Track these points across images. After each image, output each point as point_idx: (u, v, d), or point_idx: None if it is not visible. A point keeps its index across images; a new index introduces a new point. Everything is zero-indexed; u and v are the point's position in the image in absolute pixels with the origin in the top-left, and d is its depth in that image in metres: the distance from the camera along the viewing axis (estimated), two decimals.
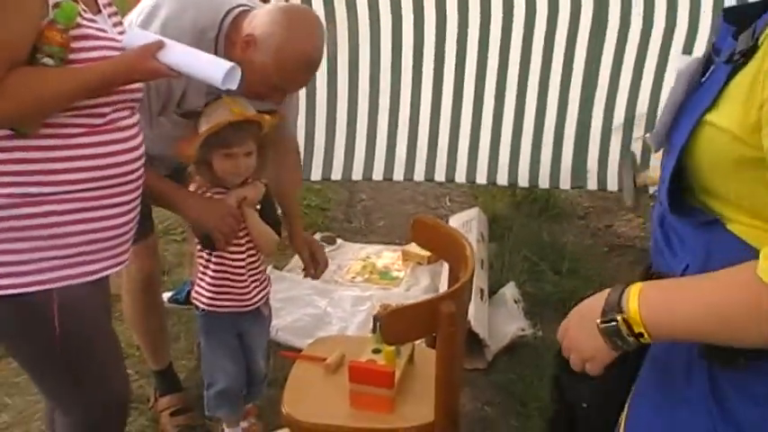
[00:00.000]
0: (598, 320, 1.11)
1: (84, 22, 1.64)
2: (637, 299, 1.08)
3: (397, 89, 3.78)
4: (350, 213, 4.68)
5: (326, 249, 2.83)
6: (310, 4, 3.48)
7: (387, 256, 4.03)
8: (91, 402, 1.91)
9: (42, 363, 1.83)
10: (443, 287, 3.21)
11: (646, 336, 1.07)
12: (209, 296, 2.32)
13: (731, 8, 1.16)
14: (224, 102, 2.14)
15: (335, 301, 3.52)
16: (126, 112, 1.78)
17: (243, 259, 2.30)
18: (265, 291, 2.41)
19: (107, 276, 1.86)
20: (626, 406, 1.29)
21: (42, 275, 1.70)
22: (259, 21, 2.08)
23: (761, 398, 1.06)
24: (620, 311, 1.09)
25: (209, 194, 2.24)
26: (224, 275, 2.30)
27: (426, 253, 3.85)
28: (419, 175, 4.01)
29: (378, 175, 4.04)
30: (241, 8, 2.15)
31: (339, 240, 4.18)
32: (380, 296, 3.53)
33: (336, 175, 4.02)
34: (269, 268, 3.30)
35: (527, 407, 2.84)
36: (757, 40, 1.03)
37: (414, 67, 3.72)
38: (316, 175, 4.02)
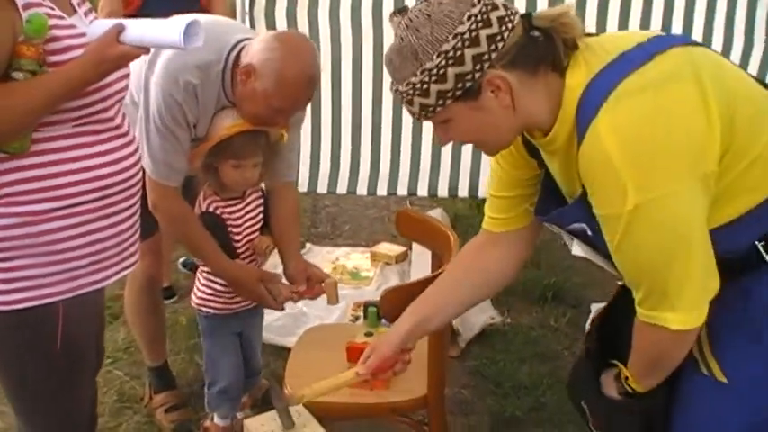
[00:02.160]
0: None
1: (61, 32, 1.65)
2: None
3: (359, 104, 3.88)
4: (316, 219, 4.83)
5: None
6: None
7: (355, 258, 4.17)
8: (64, 422, 1.92)
9: (34, 373, 1.81)
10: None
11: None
12: (212, 299, 2.47)
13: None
14: (230, 111, 2.27)
15: (311, 301, 3.66)
16: (115, 110, 1.81)
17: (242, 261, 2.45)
18: None
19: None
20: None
21: (51, 288, 1.73)
22: (254, 50, 2.19)
23: None
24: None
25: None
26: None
27: (394, 253, 4.05)
28: (382, 189, 4.10)
29: (342, 188, 4.12)
30: (244, 42, 2.27)
31: (308, 245, 4.32)
32: (353, 295, 3.68)
33: (302, 187, 4.11)
34: None
35: (501, 386, 3.04)
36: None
37: (374, 82, 3.81)
38: None
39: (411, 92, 1.39)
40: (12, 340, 1.77)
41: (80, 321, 1.83)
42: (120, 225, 1.84)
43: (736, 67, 1.51)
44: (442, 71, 1.33)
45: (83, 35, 1.70)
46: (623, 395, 1.56)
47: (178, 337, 3.37)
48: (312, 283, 2.51)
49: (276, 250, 2.58)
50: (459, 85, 1.34)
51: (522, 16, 1.37)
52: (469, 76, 1.33)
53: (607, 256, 1.44)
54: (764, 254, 1.38)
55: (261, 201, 2.51)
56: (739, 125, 1.33)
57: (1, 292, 1.70)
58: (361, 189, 4.12)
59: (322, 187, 4.11)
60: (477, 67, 1.33)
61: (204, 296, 2.48)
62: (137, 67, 2.23)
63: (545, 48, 1.35)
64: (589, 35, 1.44)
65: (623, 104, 1.29)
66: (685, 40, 1.49)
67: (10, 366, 1.82)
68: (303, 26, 3.65)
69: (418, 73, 1.35)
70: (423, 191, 4.09)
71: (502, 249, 1.77)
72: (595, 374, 1.64)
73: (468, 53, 1.32)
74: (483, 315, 3.43)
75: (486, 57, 1.32)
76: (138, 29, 1.68)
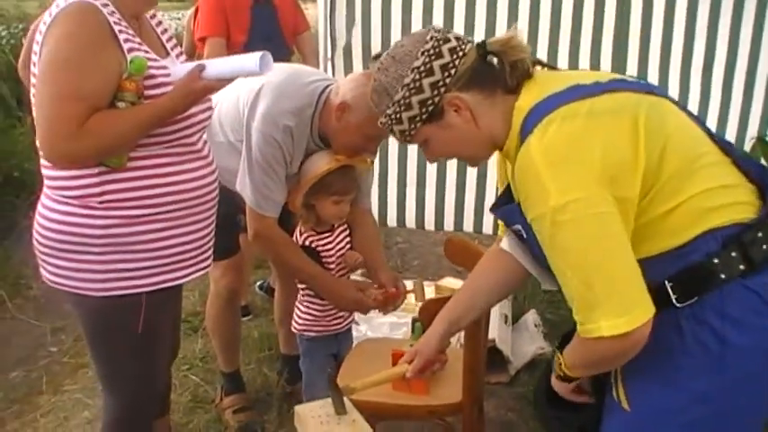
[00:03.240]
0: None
1: (155, 72, 1.98)
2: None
3: None
4: (387, 254, 5.08)
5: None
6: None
7: None
8: (139, 391, 2.22)
9: (118, 350, 2.16)
10: None
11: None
12: (313, 323, 2.75)
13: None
14: (325, 152, 2.57)
15: (375, 326, 3.90)
16: (198, 136, 2.15)
17: None
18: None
19: (182, 286, 2.23)
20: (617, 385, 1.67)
21: (138, 281, 2.06)
22: (346, 88, 2.51)
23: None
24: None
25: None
26: (323, 303, 2.72)
27: (456, 286, 4.26)
28: (448, 225, 4.34)
29: (410, 223, 4.39)
30: (329, 86, 2.59)
31: None
32: (406, 324, 3.91)
33: None
34: None
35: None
36: None
37: None
38: None
39: (389, 122, 1.67)
40: (103, 321, 2.12)
41: (158, 312, 2.16)
42: (197, 232, 2.17)
43: (691, 122, 1.61)
44: (407, 100, 1.61)
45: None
46: (560, 378, 1.73)
47: (250, 350, 3.68)
48: (401, 289, 2.78)
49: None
50: (424, 110, 1.61)
51: (477, 44, 1.61)
52: (430, 101, 1.60)
53: (539, 262, 1.62)
54: (671, 293, 1.49)
55: (347, 231, 2.80)
56: (666, 171, 1.47)
57: (98, 281, 2.03)
58: (429, 224, 4.36)
59: (392, 221, 4.38)
60: (435, 93, 1.59)
61: (306, 321, 2.75)
62: (231, 112, 2.59)
63: (499, 71, 1.59)
64: (552, 68, 1.67)
65: (555, 124, 1.46)
66: (645, 87, 1.63)
67: (100, 343, 2.17)
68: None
69: (390, 105, 1.63)
70: (488, 229, 4.31)
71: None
72: (547, 395, 1.84)
73: (426, 82, 1.59)
74: (533, 345, 3.63)
75: (441, 83, 1.59)
76: (216, 66, 2.03)
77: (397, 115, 1.64)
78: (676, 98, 3.66)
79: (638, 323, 1.41)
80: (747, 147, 3.79)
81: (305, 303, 2.74)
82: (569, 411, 1.80)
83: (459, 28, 3.84)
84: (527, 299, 4.16)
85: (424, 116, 1.62)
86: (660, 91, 1.66)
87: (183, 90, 1.98)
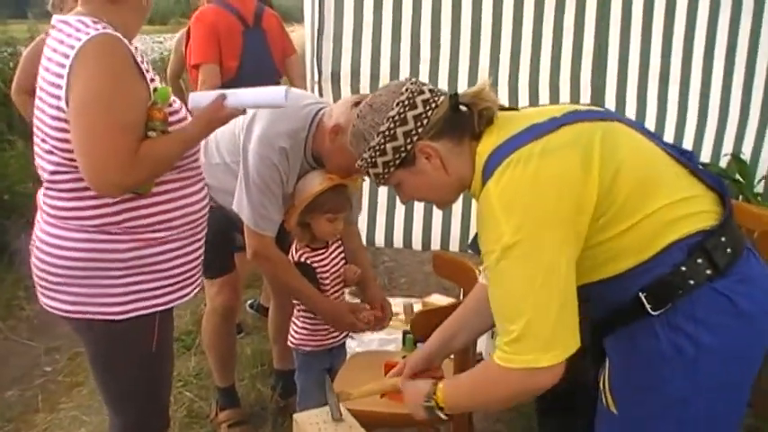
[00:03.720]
0: (422, 402, 1.85)
1: (175, 100, 2.10)
2: (443, 392, 1.81)
3: None
4: (375, 273, 5.18)
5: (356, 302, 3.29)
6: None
7: None
8: (147, 408, 2.28)
9: (131, 370, 2.19)
10: None
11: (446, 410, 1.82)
12: (309, 337, 2.84)
13: None
14: (318, 172, 2.68)
15: (365, 342, 3.99)
16: (199, 160, 2.27)
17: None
18: None
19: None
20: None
21: (152, 301, 2.12)
22: (339, 111, 2.62)
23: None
24: (434, 398, 1.82)
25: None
26: (319, 318, 2.81)
27: (443, 303, 4.36)
28: (435, 244, 4.42)
29: (398, 243, 4.47)
30: (322, 110, 2.71)
31: None
32: (397, 341, 4.00)
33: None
34: None
35: (531, 420, 3.30)
36: None
37: None
38: None
39: (366, 165, 1.79)
40: (120, 342, 2.14)
41: (167, 328, 2.25)
42: (199, 250, 2.26)
43: (646, 140, 1.71)
44: (382, 147, 1.73)
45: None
46: (427, 409, 1.85)
47: (243, 366, 3.75)
48: (387, 311, 2.94)
49: None
50: (397, 156, 1.72)
51: (450, 95, 1.73)
52: (403, 148, 1.71)
53: None
54: (646, 303, 1.59)
55: (341, 247, 2.90)
56: (622, 192, 1.57)
57: (117, 304, 2.09)
58: (416, 244, 4.46)
59: (380, 240, 4.47)
60: (408, 141, 1.70)
61: (302, 336, 2.84)
62: (227, 135, 2.70)
63: (468, 119, 1.70)
64: (512, 109, 1.77)
65: (510, 169, 1.58)
66: (598, 115, 1.73)
67: (113, 364, 2.20)
68: (365, 90, 4.04)
69: (367, 150, 1.75)
70: (455, 243, 4.38)
71: None
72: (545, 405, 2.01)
73: (400, 131, 1.70)
74: None
75: (413, 132, 1.70)
76: (239, 97, 2.15)
77: (373, 160, 1.76)
78: (654, 118, 3.89)
79: (558, 360, 1.54)
80: (723, 163, 3.92)
81: (301, 319, 2.82)
82: (564, 418, 1.90)
83: (445, 53, 3.98)
84: None
85: (397, 162, 1.74)
86: (614, 115, 1.78)
87: (207, 117, 2.10)
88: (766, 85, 3.82)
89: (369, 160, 1.77)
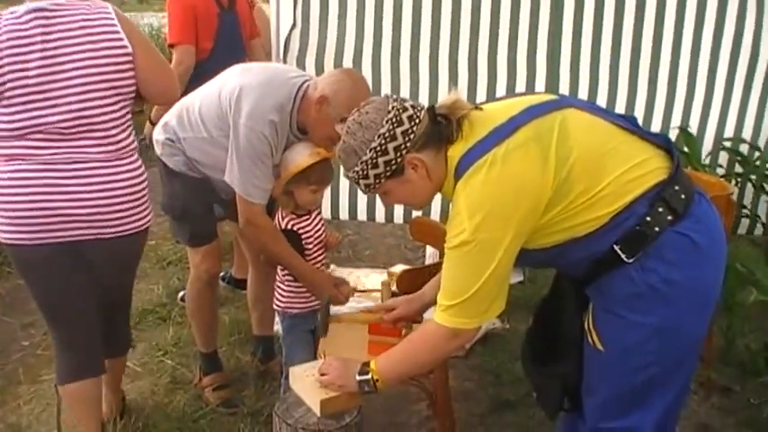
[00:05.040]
0: (357, 376, 2.10)
1: None
2: (376, 363, 2.08)
3: None
4: (339, 245, 5.33)
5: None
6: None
7: (374, 277, 4.68)
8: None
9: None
10: None
11: (381, 384, 2.08)
12: (295, 300, 2.97)
13: None
14: (305, 145, 2.82)
15: (336, 309, 4.16)
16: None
17: (316, 266, 2.98)
18: None
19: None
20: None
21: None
22: (324, 83, 2.77)
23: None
24: (369, 369, 2.09)
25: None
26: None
27: None
28: (398, 217, 4.55)
29: (362, 215, 4.60)
30: (306, 82, 2.85)
31: (332, 266, 4.83)
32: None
33: (326, 213, 4.54)
34: None
35: (500, 378, 3.53)
36: None
37: None
38: None
39: (357, 177, 1.97)
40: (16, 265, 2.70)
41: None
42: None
43: (597, 118, 1.93)
44: (374, 161, 1.92)
45: None
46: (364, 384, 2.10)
47: (221, 335, 3.85)
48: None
49: None
50: (388, 169, 1.92)
51: (427, 109, 1.93)
52: (393, 162, 1.91)
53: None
54: (621, 253, 1.83)
55: (321, 214, 3.05)
56: (580, 177, 1.81)
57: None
58: (380, 217, 4.60)
59: (344, 214, 4.63)
60: (398, 155, 1.90)
61: (289, 298, 2.98)
62: (213, 110, 2.88)
63: (446, 129, 1.90)
64: (478, 107, 1.95)
65: (476, 174, 1.81)
66: (552, 105, 1.93)
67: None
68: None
69: (359, 164, 1.94)
70: (436, 217, 4.56)
71: None
72: (531, 354, 2.22)
73: (390, 146, 1.89)
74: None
75: (402, 146, 1.89)
76: None
77: (365, 172, 1.94)
78: (605, 93, 4.10)
79: (472, 326, 1.93)
80: (672, 136, 4.16)
81: (286, 283, 2.97)
82: (551, 365, 2.10)
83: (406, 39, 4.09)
84: None
85: (387, 173, 1.93)
86: (567, 101, 1.98)
87: None
88: (711, 61, 4.06)
89: (360, 173, 1.95)
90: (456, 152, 1.88)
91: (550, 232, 1.87)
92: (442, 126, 1.91)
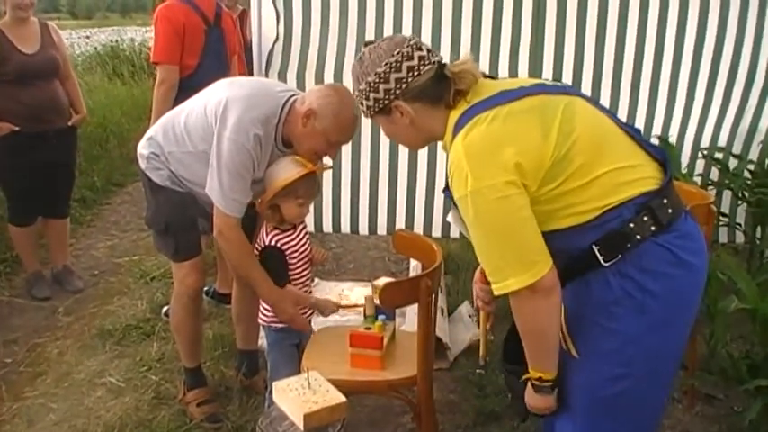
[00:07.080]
0: (536, 393, 1.99)
1: None
2: (531, 370, 1.95)
3: (357, 154, 4.40)
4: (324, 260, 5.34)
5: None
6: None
7: (358, 291, 4.69)
8: None
9: None
10: (410, 309, 3.88)
11: (547, 375, 1.94)
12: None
13: None
14: (291, 159, 2.82)
15: (320, 323, 4.16)
16: None
17: (302, 282, 2.99)
18: None
19: None
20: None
21: None
22: (312, 98, 2.79)
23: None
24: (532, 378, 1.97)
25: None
26: None
27: None
28: (381, 229, 4.63)
29: (345, 228, 4.65)
30: (293, 97, 2.86)
31: (316, 279, 4.83)
32: (356, 320, 4.16)
33: (309, 227, 4.54)
34: None
35: (484, 390, 3.53)
36: None
37: (372, 135, 4.30)
38: None
39: (357, 100, 2.04)
40: None
41: None
42: None
43: (602, 114, 1.94)
44: (366, 94, 1.98)
45: None
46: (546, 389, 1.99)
47: (205, 350, 3.83)
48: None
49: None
50: (376, 105, 1.97)
51: (439, 65, 1.94)
52: (381, 101, 1.96)
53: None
54: (598, 255, 1.83)
55: (306, 229, 3.04)
56: (576, 159, 1.80)
57: None
58: (363, 230, 4.64)
59: (327, 227, 4.64)
60: (386, 97, 1.95)
61: (273, 314, 2.96)
62: (199, 123, 2.86)
63: (446, 89, 1.92)
64: (491, 78, 1.99)
65: (478, 125, 1.82)
66: (561, 89, 1.98)
67: None
68: (311, 86, 4.11)
69: (356, 91, 2.03)
70: (419, 230, 4.56)
71: None
72: (504, 353, 2.23)
73: (382, 86, 1.94)
74: (468, 333, 3.96)
75: (392, 91, 1.93)
76: None
77: (359, 100, 2.02)
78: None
79: (539, 275, 1.78)
80: None
81: None
82: (523, 364, 2.08)
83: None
84: (460, 292, 4.51)
85: (376, 109, 1.99)
86: (574, 91, 2.02)
87: None
88: (691, 72, 4.11)
89: (357, 96, 2.02)
90: (457, 113, 1.90)
91: (540, 212, 1.82)
92: (444, 85, 1.92)
